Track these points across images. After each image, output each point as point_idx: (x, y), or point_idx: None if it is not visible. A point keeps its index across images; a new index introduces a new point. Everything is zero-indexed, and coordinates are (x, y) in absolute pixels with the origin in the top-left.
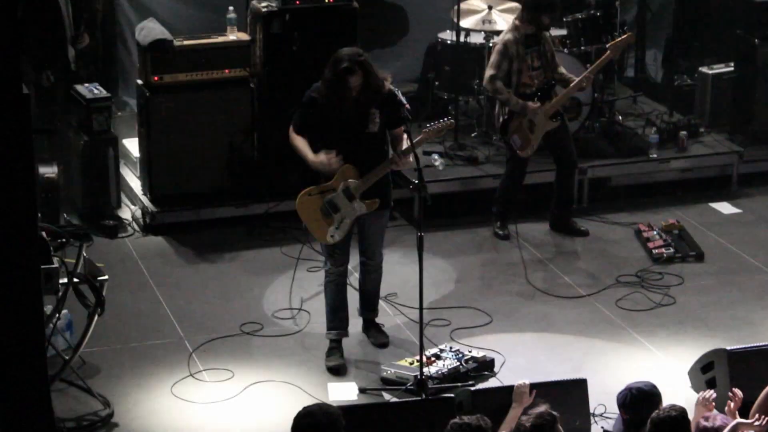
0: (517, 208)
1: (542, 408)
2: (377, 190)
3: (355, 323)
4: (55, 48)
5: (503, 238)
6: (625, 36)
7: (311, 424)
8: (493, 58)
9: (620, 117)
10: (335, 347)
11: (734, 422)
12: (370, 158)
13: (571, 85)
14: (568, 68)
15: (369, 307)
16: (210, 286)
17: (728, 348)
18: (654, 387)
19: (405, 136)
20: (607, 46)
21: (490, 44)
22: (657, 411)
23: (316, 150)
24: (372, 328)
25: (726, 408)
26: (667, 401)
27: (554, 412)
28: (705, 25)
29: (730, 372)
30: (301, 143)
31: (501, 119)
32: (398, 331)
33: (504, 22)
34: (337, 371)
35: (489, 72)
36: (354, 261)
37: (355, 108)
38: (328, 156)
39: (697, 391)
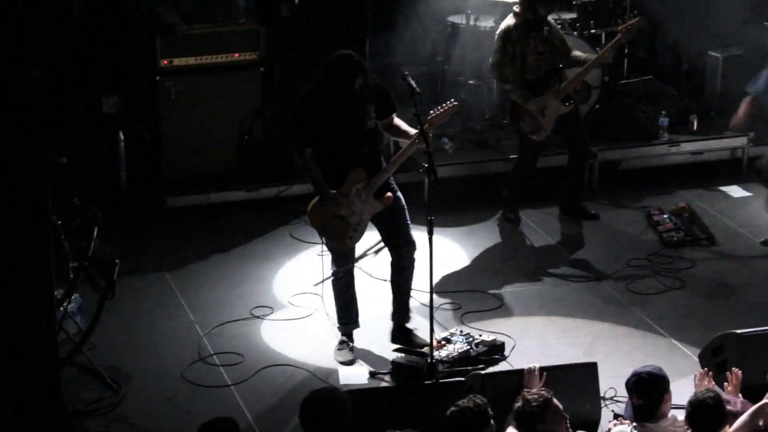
0: (528, 193)
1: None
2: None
3: (367, 310)
4: (64, 32)
5: (513, 221)
6: (637, 19)
7: (319, 408)
8: (497, 44)
9: (630, 100)
10: (346, 341)
11: (761, 403)
12: (370, 153)
13: (584, 67)
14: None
15: (404, 309)
16: (220, 270)
17: (739, 331)
18: (661, 370)
19: (400, 120)
20: (619, 29)
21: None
22: (694, 394)
23: (325, 153)
24: (407, 337)
25: (725, 388)
26: (677, 385)
27: (546, 392)
28: (714, 8)
29: (740, 355)
30: (315, 170)
31: (510, 103)
32: (392, 332)
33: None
34: (348, 365)
35: (494, 57)
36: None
37: (354, 107)
38: (342, 198)
39: None
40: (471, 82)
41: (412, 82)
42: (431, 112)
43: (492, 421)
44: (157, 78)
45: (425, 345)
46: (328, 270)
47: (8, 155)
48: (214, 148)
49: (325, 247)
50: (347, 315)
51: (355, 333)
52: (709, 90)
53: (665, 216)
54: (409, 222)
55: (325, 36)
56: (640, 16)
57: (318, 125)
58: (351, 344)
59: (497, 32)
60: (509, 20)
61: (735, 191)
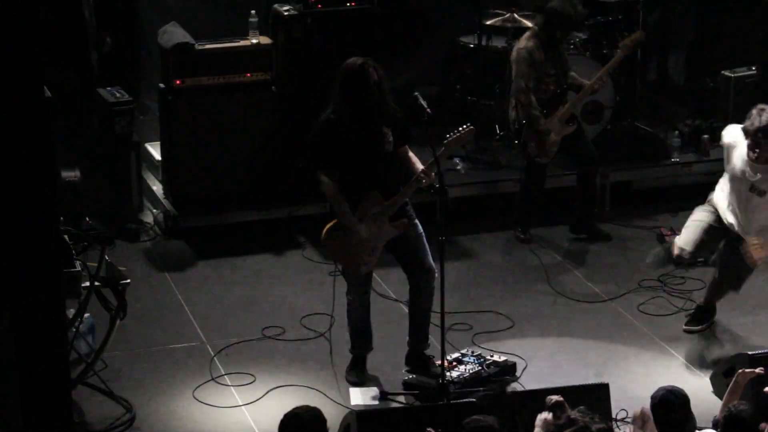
0: (538, 213)
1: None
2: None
3: (379, 330)
4: (78, 52)
5: (524, 241)
6: (635, 34)
7: (297, 425)
8: (521, 67)
9: (642, 121)
10: (358, 363)
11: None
12: (389, 178)
13: (584, 88)
14: (589, 72)
15: (421, 336)
16: (232, 290)
17: (750, 352)
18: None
19: (411, 153)
20: (619, 45)
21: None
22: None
23: (342, 175)
24: (422, 364)
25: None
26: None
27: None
28: (727, 27)
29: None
30: (337, 195)
31: (516, 125)
32: (408, 358)
33: (528, 22)
34: (359, 385)
35: (521, 83)
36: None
37: (369, 128)
38: (362, 245)
39: (720, 396)
40: (483, 102)
41: (424, 103)
42: (447, 135)
43: None
44: (170, 98)
45: (436, 375)
46: (340, 291)
47: (20, 174)
48: (226, 168)
49: (339, 271)
50: (361, 340)
51: (368, 357)
52: (721, 110)
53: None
54: (427, 248)
55: (336, 56)
56: (639, 30)
57: (335, 148)
58: (363, 366)
59: (517, 53)
60: (529, 42)
61: None
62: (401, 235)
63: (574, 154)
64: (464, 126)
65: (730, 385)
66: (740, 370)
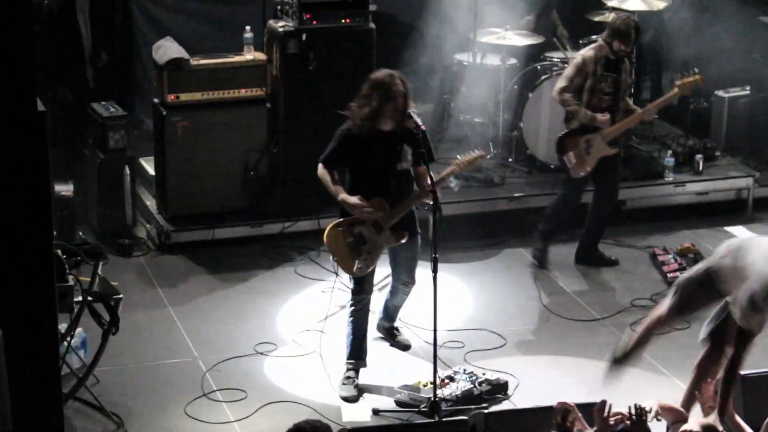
0: (532, 229)
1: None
2: (403, 220)
3: (370, 347)
4: (73, 66)
5: (539, 261)
6: (696, 77)
7: None
8: (568, 70)
9: (635, 140)
10: (352, 377)
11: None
12: (400, 194)
13: (633, 115)
14: None
15: (391, 319)
16: (224, 306)
17: (742, 372)
18: None
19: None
20: (676, 83)
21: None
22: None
23: (351, 186)
24: (391, 333)
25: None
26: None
27: None
28: (721, 48)
29: (743, 396)
30: (329, 179)
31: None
32: (412, 352)
33: (522, 40)
34: (351, 401)
35: (560, 83)
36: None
37: (388, 144)
38: (360, 203)
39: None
40: (477, 120)
41: (418, 120)
42: (458, 156)
43: None
44: (164, 113)
45: (406, 344)
46: (334, 306)
47: (13, 188)
48: (219, 183)
49: (333, 283)
50: (359, 350)
51: (360, 373)
52: (715, 130)
53: (670, 256)
54: (416, 263)
55: (331, 73)
56: (700, 75)
57: (347, 153)
58: (356, 380)
59: (575, 58)
60: (589, 52)
61: (740, 232)
62: (403, 245)
63: (600, 181)
64: (475, 151)
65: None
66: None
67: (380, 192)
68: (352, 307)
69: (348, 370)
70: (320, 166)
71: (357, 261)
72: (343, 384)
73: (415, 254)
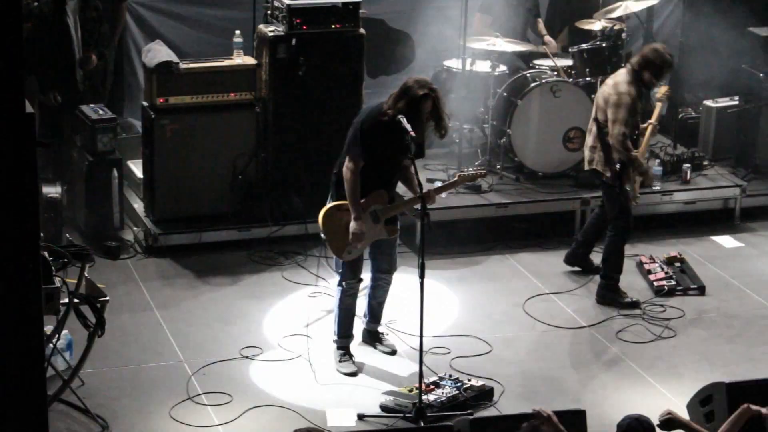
0: (518, 237)
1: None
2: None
3: (355, 353)
4: (63, 69)
5: (632, 306)
6: (662, 88)
7: None
8: (623, 113)
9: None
10: (347, 354)
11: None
12: (395, 183)
13: (648, 135)
14: (575, 100)
15: (377, 319)
16: (211, 310)
17: (727, 381)
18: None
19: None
20: (658, 97)
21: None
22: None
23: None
24: (377, 338)
25: None
26: None
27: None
28: (710, 58)
29: (729, 405)
30: (355, 182)
31: (611, 169)
32: (398, 358)
33: (511, 47)
34: (353, 375)
35: (620, 129)
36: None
37: (399, 136)
38: (355, 234)
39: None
40: (465, 126)
41: (407, 126)
42: (463, 169)
43: None
44: (153, 116)
45: (392, 349)
46: (320, 311)
47: (0, 189)
48: (207, 187)
49: (318, 284)
50: (348, 329)
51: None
52: (703, 140)
53: (657, 264)
54: (396, 250)
55: (321, 78)
56: (665, 86)
57: (370, 143)
58: (352, 356)
59: (619, 98)
60: (632, 89)
61: (727, 241)
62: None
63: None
64: (480, 167)
65: (733, 416)
66: (745, 405)
67: (385, 183)
68: (342, 292)
69: (339, 348)
70: (351, 161)
71: (348, 247)
72: (341, 362)
73: (395, 241)
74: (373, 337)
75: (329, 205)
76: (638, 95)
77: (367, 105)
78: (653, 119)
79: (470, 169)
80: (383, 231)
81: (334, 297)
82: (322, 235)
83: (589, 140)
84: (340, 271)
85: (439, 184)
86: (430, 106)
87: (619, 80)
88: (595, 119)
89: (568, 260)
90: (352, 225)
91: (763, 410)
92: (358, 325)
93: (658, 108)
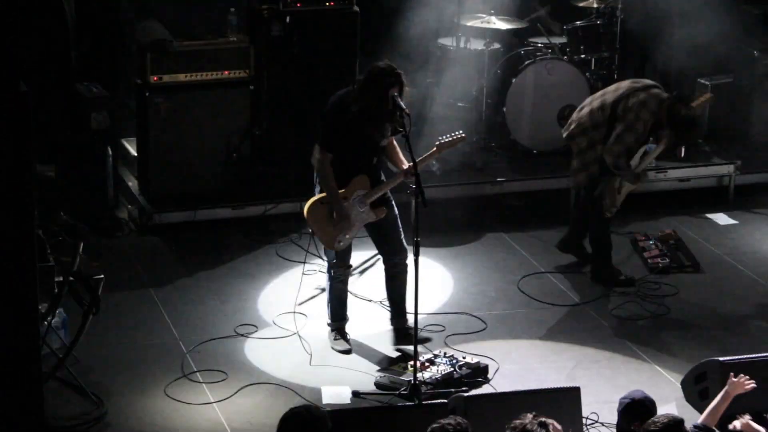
0: (517, 215)
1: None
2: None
3: (352, 330)
4: (57, 47)
5: (627, 283)
6: (708, 96)
7: (297, 425)
8: (627, 135)
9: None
10: (341, 333)
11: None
12: (378, 169)
13: (655, 150)
14: (569, 78)
15: (401, 313)
16: (205, 288)
17: (721, 359)
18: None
19: (396, 144)
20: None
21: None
22: (652, 419)
23: (334, 161)
24: (407, 335)
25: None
26: (660, 411)
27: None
28: (704, 35)
29: (723, 383)
30: (331, 174)
31: (583, 175)
32: (392, 335)
33: (506, 24)
34: (347, 353)
35: (618, 148)
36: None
37: (379, 121)
38: (342, 224)
39: (690, 402)
40: (460, 104)
41: (402, 104)
42: (440, 138)
43: None
44: (147, 94)
45: (427, 340)
46: (315, 289)
47: None
48: (201, 165)
49: (312, 262)
50: (341, 313)
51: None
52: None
53: (651, 242)
54: (401, 230)
55: (315, 56)
56: (710, 94)
57: (342, 131)
58: (347, 335)
59: (636, 123)
60: (647, 116)
61: (721, 219)
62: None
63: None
64: (457, 133)
65: (721, 393)
66: (732, 380)
67: (364, 168)
68: (333, 279)
69: (333, 330)
70: (320, 151)
71: (338, 236)
72: (335, 340)
73: (395, 218)
74: (399, 336)
75: (312, 198)
76: (647, 127)
77: (335, 94)
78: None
79: (447, 136)
80: (371, 214)
81: (325, 282)
82: (310, 229)
83: (587, 121)
84: (329, 258)
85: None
86: (397, 90)
87: (648, 101)
88: (602, 107)
89: (561, 247)
90: (336, 214)
91: (748, 387)
92: (352, 306)
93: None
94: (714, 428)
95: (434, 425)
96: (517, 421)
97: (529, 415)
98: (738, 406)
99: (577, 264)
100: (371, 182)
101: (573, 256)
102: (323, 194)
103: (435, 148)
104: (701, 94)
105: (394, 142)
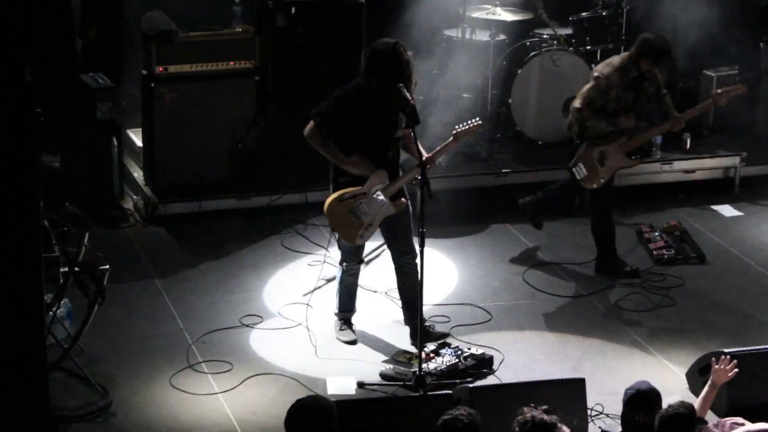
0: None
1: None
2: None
3: (358, 321)
4: (62, 38)
5: (632, 274)
6: (738, 87)
7: (304, 416)
8: (591, 93)
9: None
10: (347, 323)
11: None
12: (395, 161)
13: (660, 127)
14: (575, 69)
15: (415, 313)
16: (210, 278)
17: (725, 350)
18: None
19: (413, 136)
20: (712, 93)
21: (594, 74)
22: (666, 408)
23: (347, 151)
24: (427, 332)
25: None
26: (665, 403)
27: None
28: (710, 27)
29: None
30: (329, 147)
31: (573, 142)
32: (398, 326)
33: (511, 16)
34: (352, 344)
35: (577, 103)
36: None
37: (389, 114)
38: (360, 160)
39: (695, 393)
40: (465, 95)
41: (407, 94)
42: (456, 127)
43: None
44: (152, 85)
45: (444, 335)
46: (320, 280)
47: (0, 159)
48: (207, 155)
49: (331, 248)
50: (349, 305)
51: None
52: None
53: (656, 233)
54: (412, 231)
55: (320, 46)
56: (742, 85)
57: (354, 122)
58: (353, 325)
59: (597, 80)
60: (612, 73)
61: (726, 210)
62: (396, 214)
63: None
64: (474, 120)
65: (707, 386)
66: (715, 367)
67: (381, 162)
68: (345, 272)
69: (340, 320)
70: (312, 129)
71: (360, 230)
72: (341, 330)
73: (409, 218)
74: (414, 336)
75: (330, 197)
76: (623, 84)
77: (348, 84)
78: (686, 114)
79: (464, 125)
80: (391, 207)
81: (336, 274)
82: (332, 229)
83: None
84: (342, 252)
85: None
86: (406, 56)
87: (610, 61)
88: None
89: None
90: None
91: (730, 374)
92: (358, 297)
93: (707, 104)
94: (705, 419)
95: (446, 416)
96: (520, 418)
97: (527, 408)
98: (742, 397)
99: (582, 256)
100: (389, 176)
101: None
102: (340, 192)
103: (452, 138)
104: (735, 86)
105: (410, 134)
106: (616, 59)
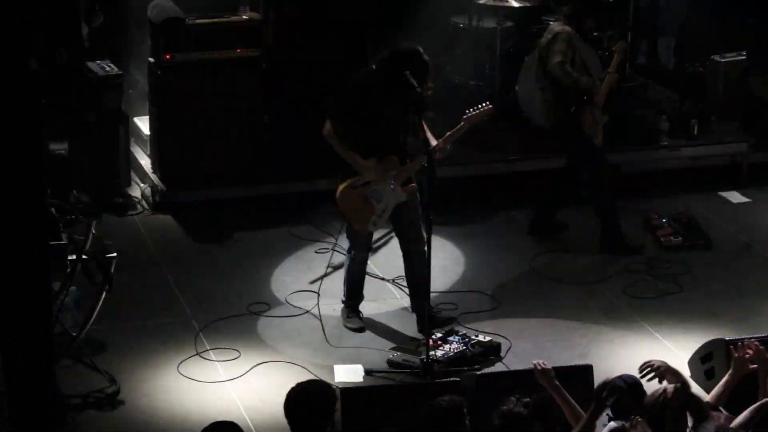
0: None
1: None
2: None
3: (365, 309)
4: (69, 25)
5: (635, 250)
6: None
7: (304, 400)
8: (559, 45)
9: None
10: (354, 311)
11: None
12: (405, 149)
13: (603, 83)
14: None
15: (422, 300)
16: (218, 266)
17: (727, 338)
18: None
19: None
20: (613, 48)
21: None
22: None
23: (362, 142)
24: (432, 320)
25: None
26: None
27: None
28: (718, 13)
29: (729, 363)
30: (345, 148)
31: (556, 113)
32: (405, 314)
33: (519, 2)
34: (360, 331)
35: (557, 58)
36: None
37: (398, 101)
38: (375, 167)
39: (697, 381)
40: (472, 82)
41: (413, 81)
42: (467, 111)
43: (467, 421)
44: (159, 72)
45: (451, 320)
46: (328, 268)
47: (6, 147)
48: (214, 143)
49: (341, 235)
50: (356, 293)
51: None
52: (710, 95)
53: (664, 220)
54: (420, 217)
55: (327, 33)
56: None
57: (364, 111)
58: (360, 313)
59: (555, 35)
60: (566, 27)
61: (734, 197)
62: (407, 201)
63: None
64: (484, 104)
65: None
66: (735, 356)
67: (391, 149)
68: (353, 260)
69: (347, 307)
70: (331, 123)
71: (372, 217)
72: (348, 317)
73: (417, 205)
74: (422, 322)
75: (342, 185)
76: (577, 37)
77: (356, 74)
78: (611, 68)
79: (474, 109)
80: (402, 193)
81: (344, 261)
82: (343, 216)
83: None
84: (351, 240)
85: None
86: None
87: (551, 27)
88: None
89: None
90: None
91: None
92: (368, 286)
93: (615, 58)
94: (719, 407)
95: (430, 402)
96: (504, 407)
97: (513, 399)
98: None
99: (589, 242)
100: (399, 162)
101: (550, 230)
102: (351, 179)
103: (463, 122)
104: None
105: (421, 121)
106: (556, 24)
